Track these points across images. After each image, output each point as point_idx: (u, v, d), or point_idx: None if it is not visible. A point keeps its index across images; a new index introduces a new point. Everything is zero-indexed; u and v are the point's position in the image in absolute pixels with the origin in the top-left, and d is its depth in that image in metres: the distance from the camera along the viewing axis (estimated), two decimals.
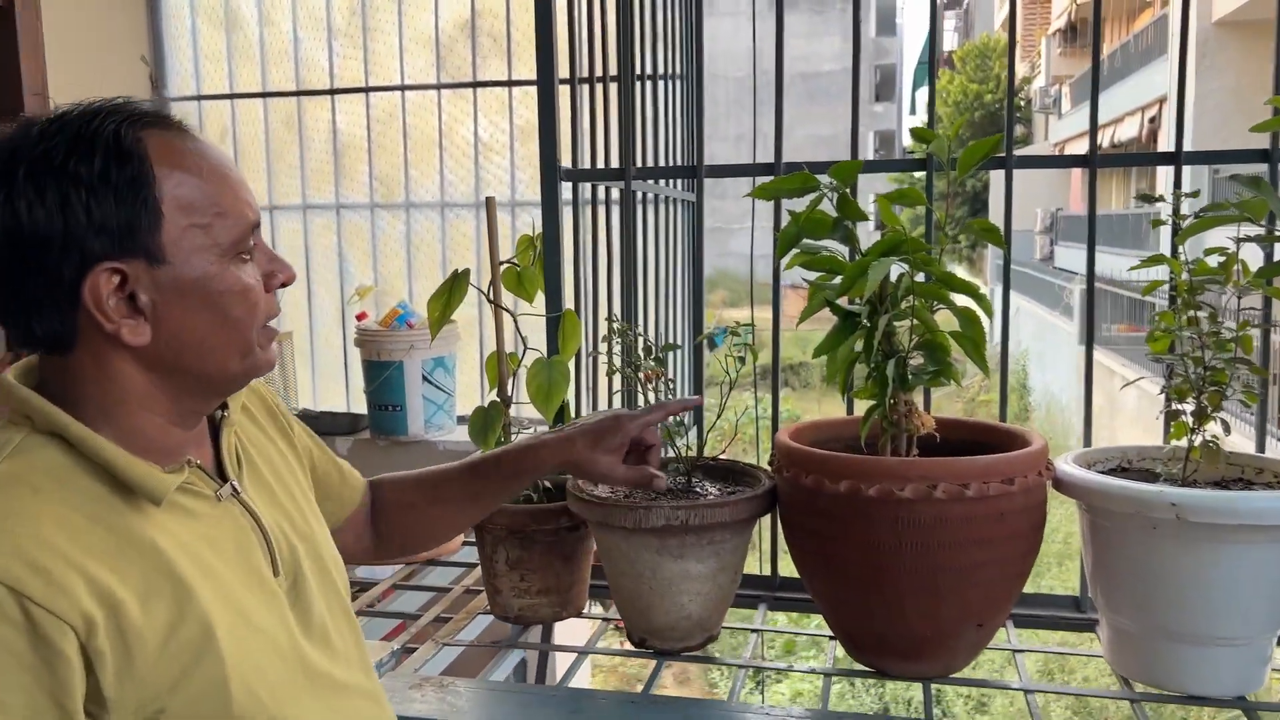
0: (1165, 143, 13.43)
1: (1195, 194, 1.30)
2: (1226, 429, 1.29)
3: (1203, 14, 11.86)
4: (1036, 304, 15.37)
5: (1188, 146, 1.40)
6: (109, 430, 0.85)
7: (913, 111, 30.13)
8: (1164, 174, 13.79)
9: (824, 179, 1.27)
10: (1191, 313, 1.31)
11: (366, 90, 3.40)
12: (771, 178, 1.60)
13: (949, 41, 30.11)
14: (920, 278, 1.27)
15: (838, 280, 1.30)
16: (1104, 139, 17.69)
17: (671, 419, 1.36)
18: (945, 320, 1.34)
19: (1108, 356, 12.09)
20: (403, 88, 3.37)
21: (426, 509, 1.25)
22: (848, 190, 1.26)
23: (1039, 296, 15.37)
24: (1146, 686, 1.30)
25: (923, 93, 28.34)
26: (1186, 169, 1.46)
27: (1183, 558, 1.20)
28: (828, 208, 1.30)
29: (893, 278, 1.27)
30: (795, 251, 1.32)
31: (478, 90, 3.30)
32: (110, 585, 0.79)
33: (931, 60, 1.55)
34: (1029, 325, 15.52)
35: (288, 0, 3.41)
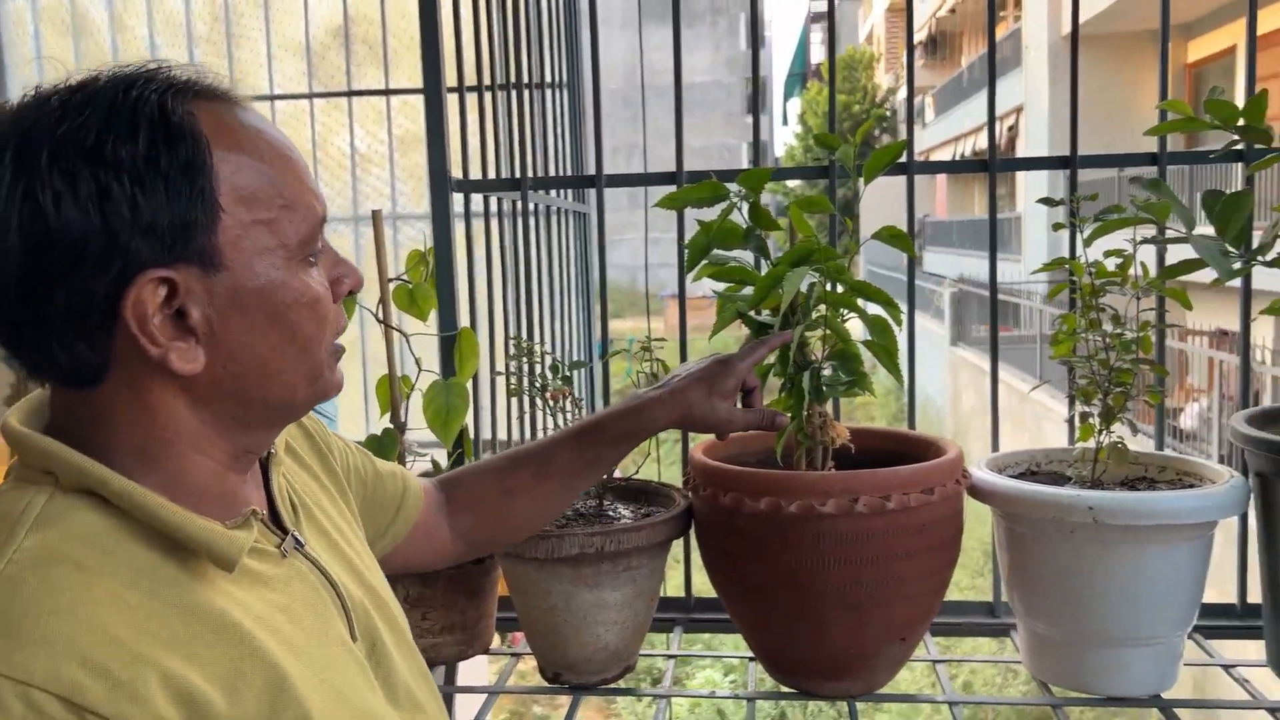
0: (1024, 149, 14.08)
1: (1094, 197, 1.31)
2: (1134, 429, 1.30)
3: (1053, 27, 12.55)
4: (906, 306, 15.90)
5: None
6: (152, 480, 0.70)
7: (785, 122, 30.84)
8: (1021, 180, 14.44)
9: (733, 187, 1.23)
10: (1093, 315, 1.32)
11: None
12: (674, 187, 1.56)
13: (816, 54, 30.95)
14: (831, 287, 1.25)
15: (748, 291, 1.26)
16: (965, 147, 18.45)
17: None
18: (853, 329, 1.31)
19: (977, 356, 12.58)
20: (272, 98, 3.20)
21: (535, 488, 1.10)
22: (758, 198, 1.22)
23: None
24: (1066, 690, 1.29)
25: (794, 103, 29.03)
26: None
27: (1101, 560, 1.20)
28: (735, 217, 1.26)
29: (802, 287, 1.24)
30: (704, 263, 1.28)
31: (353, 100, 3.17)
32: (188, 678, 0.64)
33: (831, 71, 1.53)
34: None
35: (142, 4, 3.20)
